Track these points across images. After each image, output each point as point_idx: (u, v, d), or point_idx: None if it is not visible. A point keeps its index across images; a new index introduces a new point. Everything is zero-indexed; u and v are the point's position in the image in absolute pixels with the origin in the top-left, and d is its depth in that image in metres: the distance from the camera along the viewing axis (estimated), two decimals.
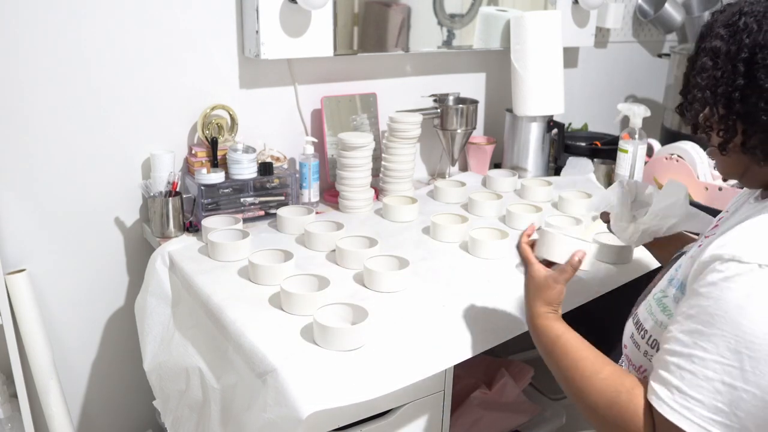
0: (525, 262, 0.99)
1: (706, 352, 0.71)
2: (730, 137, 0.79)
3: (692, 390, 0.71)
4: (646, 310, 0.89)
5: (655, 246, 1.17)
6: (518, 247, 1.02)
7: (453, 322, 1.14)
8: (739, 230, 0.76)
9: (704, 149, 1.78)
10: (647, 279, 1.06)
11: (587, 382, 0.83)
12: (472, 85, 2.09)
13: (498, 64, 2.11)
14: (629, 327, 0.94)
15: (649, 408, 0.77)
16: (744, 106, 0.76)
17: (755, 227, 0.75)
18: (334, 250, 1.38)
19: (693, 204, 1.65)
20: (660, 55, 2.56)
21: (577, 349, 0.87)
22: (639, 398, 0.78)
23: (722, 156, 0.82)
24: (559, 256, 0.97)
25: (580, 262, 0.95)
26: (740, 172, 0.83)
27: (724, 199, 1.61)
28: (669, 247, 1.12)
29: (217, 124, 1.61)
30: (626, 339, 0.93)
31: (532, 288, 0.96)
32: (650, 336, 0.86)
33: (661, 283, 0.90)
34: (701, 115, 0.82)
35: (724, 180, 0.90)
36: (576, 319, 1.01)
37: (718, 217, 0.96)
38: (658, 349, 0.82)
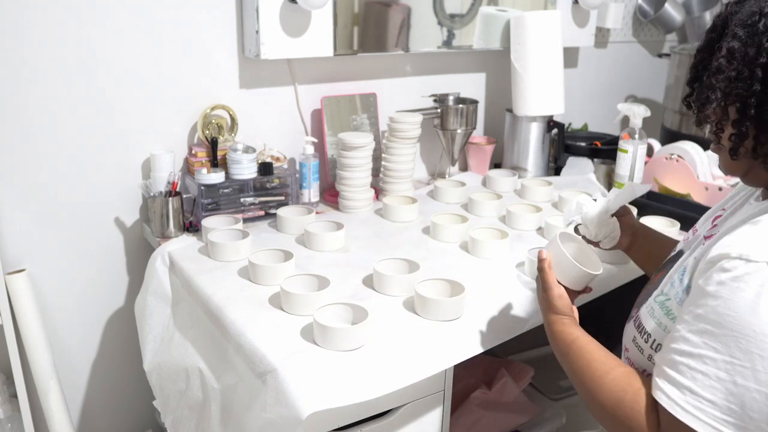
0: (545, 284, 1.00)
1: (717, 353, 0.70)
2: (742, 141, 0.77)
3: (705, 391, 0.71)
4: (647, 312, 0.89)
5: (631, 250, 1.16)
6: (540, 270, 1.02)
7: (452, 322, 1.14)
8: (746, 229, 0.75)
9: (704, 148, 1.78)
10: (646, 279, 1.06)
11: (598, 382, 0.84)
12: (472, 85, 2.09)
13: (498, 64, 2.11)
14: (630, 330, 0.93)
15: (653, 408, 0.76)
16: (758, 112, 0.74)
17: (762, 226, 0.74)
18: (334, 251, 1.38)
19: (693, 204, 1.67)
20: (660, 55, 2.56)
21: (590, 351, 0.88)
22: (644, 399, 0.78)
23: (731, 159, 0.81)
24: (570, 283, 1.01)
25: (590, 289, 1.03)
26: (744, 173, 0.82)
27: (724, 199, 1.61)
28: (644, 250, 1.14)
29: (217, 124, 1.61)
30: (627, 342, 0.93)
31: (546, 304, 0.99)
32: (654, 340, 0.86)
33: (662, 285, 0.89)
34: (712, 113, 0.80)
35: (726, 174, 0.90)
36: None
37: (712, 214, 0.95)
38: None
